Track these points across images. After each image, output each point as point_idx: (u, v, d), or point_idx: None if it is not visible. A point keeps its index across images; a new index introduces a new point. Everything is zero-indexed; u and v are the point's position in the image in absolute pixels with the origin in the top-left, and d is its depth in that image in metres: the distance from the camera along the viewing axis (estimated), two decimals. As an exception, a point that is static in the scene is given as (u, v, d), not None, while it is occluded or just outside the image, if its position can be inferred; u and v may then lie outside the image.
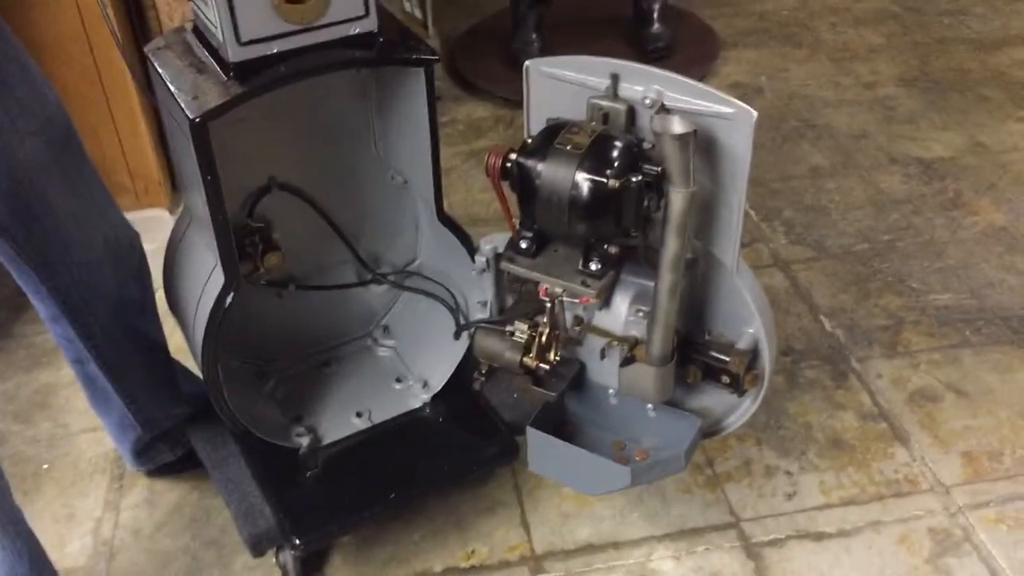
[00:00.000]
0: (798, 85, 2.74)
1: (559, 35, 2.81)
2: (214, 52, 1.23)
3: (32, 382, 1.92)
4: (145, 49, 1.31)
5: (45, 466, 1.75)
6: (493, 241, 1.39)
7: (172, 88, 1.21)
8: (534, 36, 2.78)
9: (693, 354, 1.35)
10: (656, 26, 2.79)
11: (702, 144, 1.17)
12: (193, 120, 1.15)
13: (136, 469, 1.69)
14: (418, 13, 2.73)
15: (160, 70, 1.26)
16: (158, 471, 1.69)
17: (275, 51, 1.20)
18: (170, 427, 1.61)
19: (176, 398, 1.60)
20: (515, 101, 2.63)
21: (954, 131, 2.52)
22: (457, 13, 3.07)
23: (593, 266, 1.26)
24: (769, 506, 1.62)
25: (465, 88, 2.76)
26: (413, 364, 1.65)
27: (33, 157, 1.27)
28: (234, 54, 1.17)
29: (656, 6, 2.80)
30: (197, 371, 1.57)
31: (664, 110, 1.19)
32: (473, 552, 1.57)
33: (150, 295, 1.53)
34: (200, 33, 1.28)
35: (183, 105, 1.17)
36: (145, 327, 1.53)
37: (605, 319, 1.35)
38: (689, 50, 2.83)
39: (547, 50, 2.74)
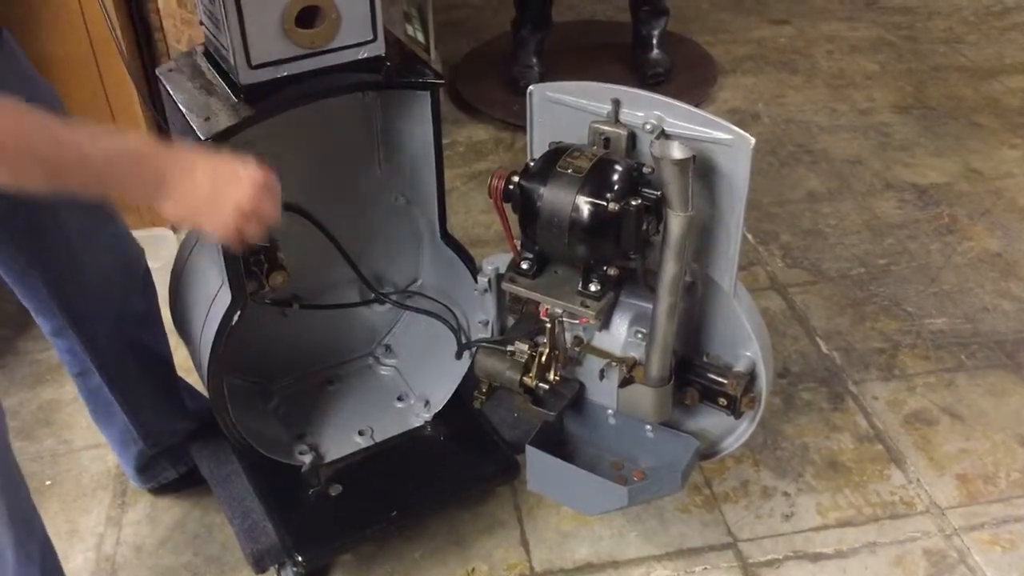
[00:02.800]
0: (795, 111, 2.78)
1: (559, 60, 2.85)
2: (225, 74, 1.26)
3: (35, 399, 1.94)
4: (156, 71, 1.34)
5: (48, 482, 1.77)
6: (495, 262, 1.41)
7: (183, 109, 1.24)
8: (534, 60, 2.82)
9: (691, 376, 1.36)
10: (655, 52, 2.84)
11: (701, 169, 1.19)
12: (204, 141, 1.18)
13: (139, 486, 1.70)
14: (421, 37, 2.76)
15: (171, 91, 1.28)
16: (161, 489, 1.71)
17: (285, 74, 1.23)
18: (173, 443, 1.62)
19: (180, 412, 1.62)
20: (515, 124, 2.67)
21: (949, 157, 2.55)
22: (458, 37, 3.11)
23: (593, 287, 1.28)
24: (766, 527, 1.64)
25: (466, 111, 2.80)
26: (415, 383, 1.67)
27: None
28: (245, 77, 1.20)
29: (655, 32, 2.84)
30: (201, 388, 1.59)
31: (664, 136, 1.21)
32: (473, 570, 1.58)
33: (155, 310, 1.55)
34: (211, 56, 1.30)
35: (194, 126, 1.20)
36: (150, 340, 1.55)
37: (604, 340, 1.37)
38: (687, 76, 2.87)
39: (547, 74, 2.78)
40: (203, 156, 1.10)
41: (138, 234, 1.58)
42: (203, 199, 1.07)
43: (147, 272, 1.52)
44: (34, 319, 1.46)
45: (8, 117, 0.93)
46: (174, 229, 2.25)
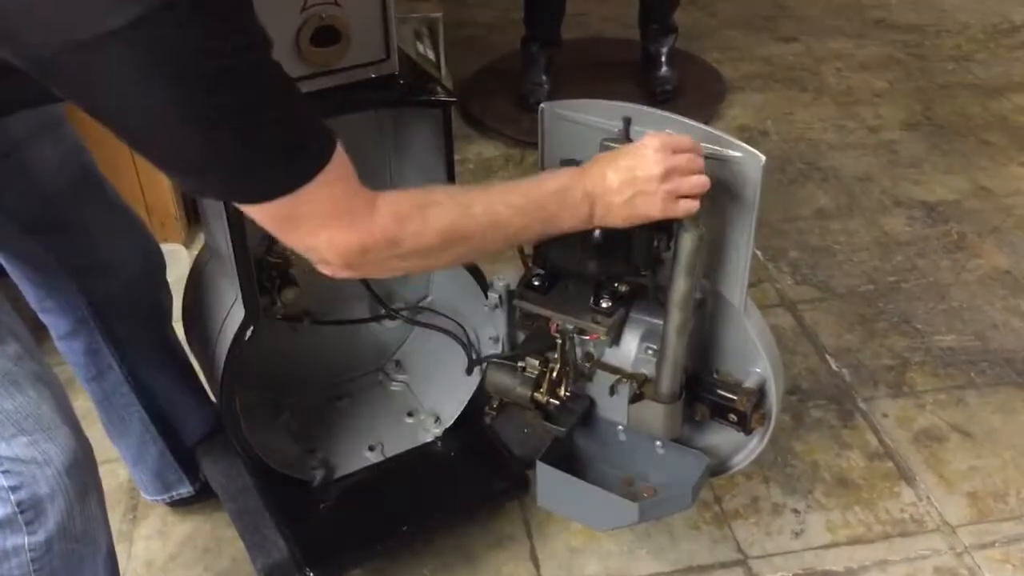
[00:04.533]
0: (803, 128, 2.78)
1: (568, 77, 2.86)
2: (239, 93, 1.27)
3: (47, 412, 1.94)
4: (172, 89, 1.35)
5: (59, 496, 1.77)
6: (506, 277, 1.42)
7: (198, 127, 1.25)
8: (544, 77, 2.83)
9: (701, 392, 1.37)
10: (664, 69, 2.85)
11: (712, 186, 1.20)
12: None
13: (153, 498, 1.69)
14: (431, 54, 2.78)
15: (186, 110, 1.29)
16: (173, 505, 1.70)
17: (299, 93, 1.23)
18: (191, 446, 1.62)
19: (201, 409, 1.62)
20: (524, 141, 2.68)
21: (958, 175, 2.56)
22: (468, 54, 3.12)
23: (604, 304, 1.29)
24: (776, 544, 1.63)
25: (475, 127, 2.81)
26: (425, 398, 1.68)
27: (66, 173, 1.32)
28: (259, 95, 1.21)
29: (664, 50, 2.86)
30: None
31: (675, 153, 1.22)
32: (482, 586, 1.58)
33: (171, 309, 1.56)
34: (226, 74, 1.31)
35: (209, 144, 1.21)
36: (171, 336, 1.56)
37: (615, 356, 1.37)
38: (696, 93, 2.88)
39: (556, 91, 2.80)
40: (604, 157, 1.15)
41: (151, 249, 1.60)
42: (637, 195, 1.11)
43: (165, 271, 1.53)
44: (46, 323, 1.46)
45: (451, 203, 1.04)
46: (185, 244, 2.26)
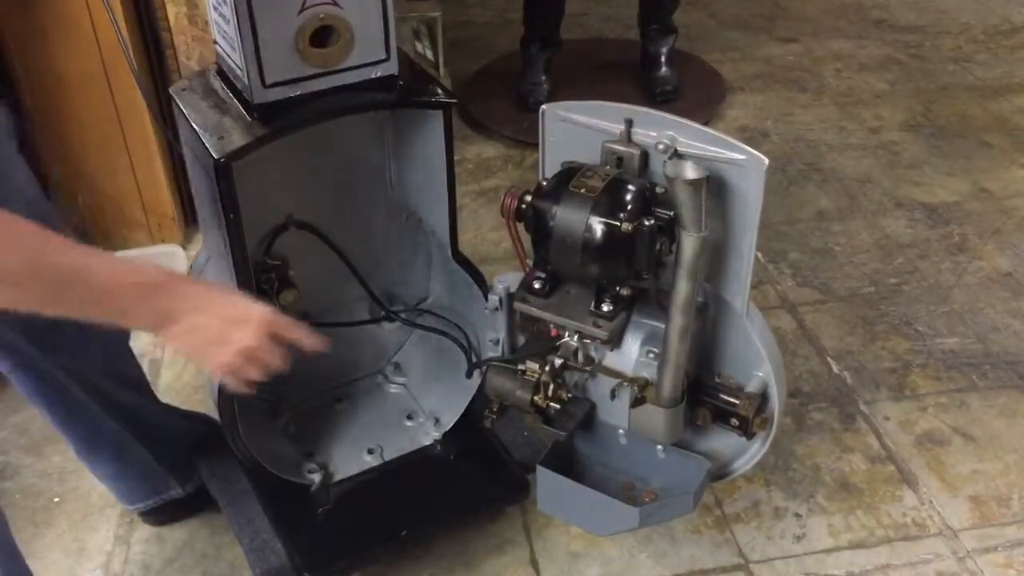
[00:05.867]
0: (803, 129, 2.78)
1: (568, 77, 2.86)
2: (238, 94, 1.26)
3: (44, 415, 1.93)
4: (170, 90, 1.34)
5: (56, 500, 1.76)
6: (506, 280, 1.41)
7: (197, 128, 1.24)
8: (543, 78, 2.82)
9: (703, 396, 1.36)
10: (664, 70, 2.84)
11: (714, 189, 1.19)
12: (218, 160, 1.18)
13: (137, 507, 1.66)
14: (430, 54, 2.77)
15: (185, 110, 1.29)
16: (166, 508, 1.68)
17: (298, 93, 1.23)
18: (182, 447, 1.60)
19: (157, 405, 1.60)
20: (524, 141, 2.67)
21: (958, 177, 2.55)
22: (467, 54, 3.11)
23: (605, 307, 1.28)
24: (778, 548, 1.62)
25: (474, 128, 2.80)
26: (424, 402, 1.67)
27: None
28: (258, 96, 1.21)
29: (664, 50, 2.85)
30: (210, 405, 1.59)
31: (677, 155, 1.21)
32: (482, 591, 1.57)
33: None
34: (224, 75, 1.31)
35: (208, 145, 1.20)
36: (125, 353, 1.54)
37: (616, 360, 1.36)
38: (696, 94, 2.87)
39: (555, 92, 2.79)
40: (215, 293, 1.09)
41: (147, 251, 1.59)
42: (210, 339, 1.05)
43: None
44: None
45: (5, 233, 0.89)
46: (182, 245, 2.25)
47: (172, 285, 1.04)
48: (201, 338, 1.05)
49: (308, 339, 1.13)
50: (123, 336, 1.52)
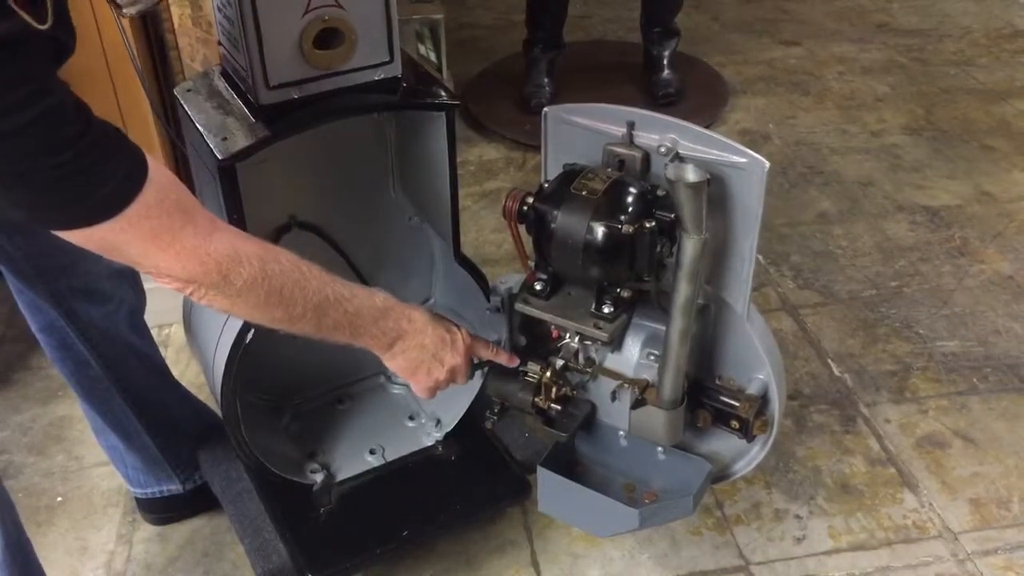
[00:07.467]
0: (805, 132, 2.78)
1: (570, 80, 2.86)
2: (242, 95, 1.27)
3: (47, 415, 1.94)
4: (174, 91, 1.35)
5: (59, 499, 1.77)
6: (508, 282, 1.41)
7: (201, 129, 1.25)
8: (546, 80, 2.83)
9: (703, 398, 1.36)
10: (666, 72, 2.85)
11: (715, 192, 1.19)
12: (222, 161, 1.19)
13: (139, 492, 1.67)
14: (432, 56, 2.78)
15: (189, 111, 1.29)
16: (165, 503, 1.68)
17: (302, 95, 1.23)
18: (185, 444, 1.61)
19: (188, 403, 1.62)
20: (526, 143, 2.68)
21: (960, 180, 2.55)
22: (470, 56, 3.12)
23: (606, 309, 1.28)
24: (779, 550, 1.63)
25: (477, 130, 2.81)
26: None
27: None
28: (262, 97, 1.21)
29: (666, 53, 2.85)
30: (213, 406, 1.59)
31: (678, 158, 1.22)
32: (482, 591, 1.58)
33: (143, 305, 1.54)
34: (228, 76, 1.31)
35: (212, 146, 1.21)
36: (143, 327, 1.55)
37: (617, 361, 1.37)
38: (698, 96, 2.88)
39: (558, 94, 2.80)
40: (428, 316, 1.23)
41: (152, 251, 1.59)
42: (426, 358, 1.21)
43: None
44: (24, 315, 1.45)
45: (292, 268, 1.06)
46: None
47: (398, 308, 1.19)
48: (419, 357, 1.21)
49: (502, 356, 1.31)
50: (140, 304, 1.54)
